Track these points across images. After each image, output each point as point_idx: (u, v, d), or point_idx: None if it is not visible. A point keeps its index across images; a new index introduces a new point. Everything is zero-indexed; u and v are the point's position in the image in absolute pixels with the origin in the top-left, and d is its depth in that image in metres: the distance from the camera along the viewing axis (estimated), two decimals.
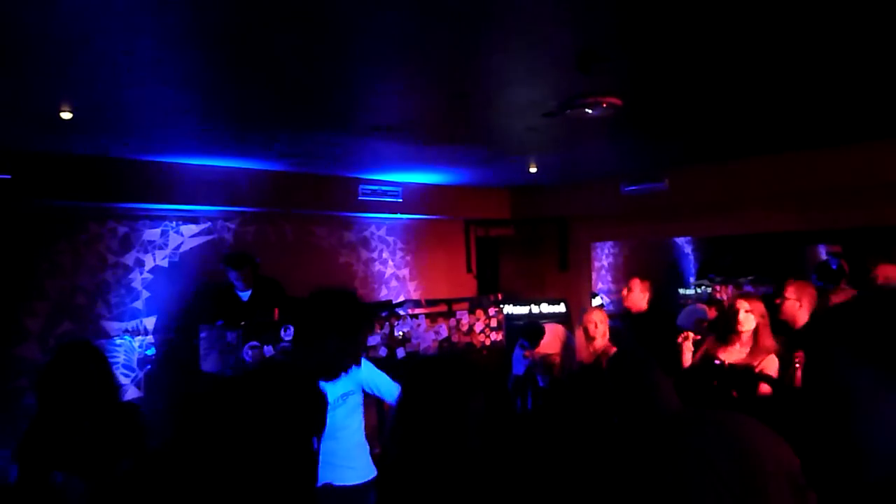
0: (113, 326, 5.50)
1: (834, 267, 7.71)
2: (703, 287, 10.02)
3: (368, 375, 3.62)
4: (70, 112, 3.59)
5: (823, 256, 11.59)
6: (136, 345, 5.60)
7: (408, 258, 7.76)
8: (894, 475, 0.77)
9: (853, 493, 0.82)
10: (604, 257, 9.94)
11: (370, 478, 3.41)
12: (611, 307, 9.00)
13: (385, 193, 6.85)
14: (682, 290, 10.24)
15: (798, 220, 6.25)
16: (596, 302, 8.47)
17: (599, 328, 4.81)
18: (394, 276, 7.60)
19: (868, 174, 5.35)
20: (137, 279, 5.67)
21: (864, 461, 0.79)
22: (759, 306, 3.97)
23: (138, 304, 5.65)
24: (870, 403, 0.77)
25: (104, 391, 2.94)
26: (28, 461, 2.79)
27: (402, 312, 6.02)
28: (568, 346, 6.05)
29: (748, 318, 3.90)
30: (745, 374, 3.76)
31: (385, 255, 7.55)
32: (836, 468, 0.82)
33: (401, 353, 5.89)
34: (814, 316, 4.00)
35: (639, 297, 5.90)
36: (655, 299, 6.11)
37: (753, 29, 2.71)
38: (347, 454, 3.39)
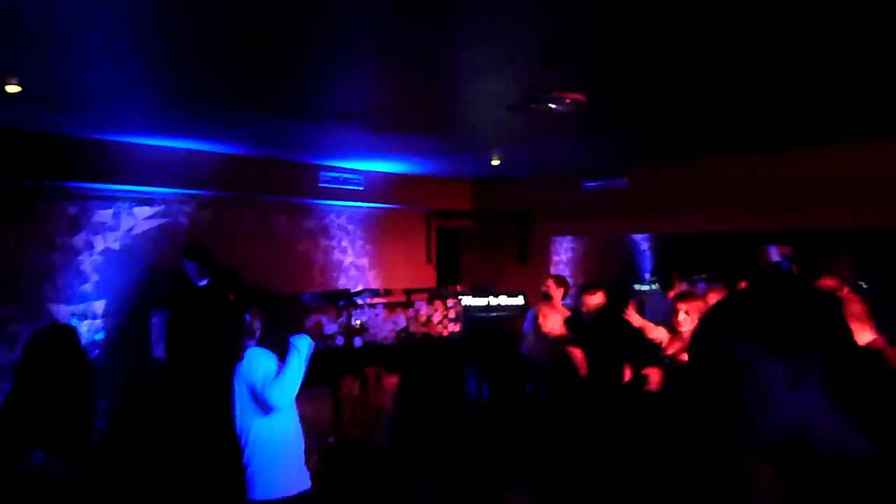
0: (60, 310, 5.32)
1: (785, 268, 7.95)
2: (657, 283, 10.20)
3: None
4: (17, 86, 3.44)
5: (774, 257, 11.92)
6: (84, 329, 5.43)
7: (368, 247, 7.70)
8: (766, 429, 0.97)
9: (739, 443, 1.00)
10: (563, 252, 10.03)
11: None
12: (568, 301, 9.09)
13: (346, 181, 6.78)
14: (637, 286, 10.41)
15: (751, 220, 6.41)
16: None
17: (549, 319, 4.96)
18: (353, 264, 7.54)
19: (817, 176, 5.51)
20: (87, 261, 5.49)
21: (744, 418, 0.98)
22: (699, 305, 4.14)
23: (87, 288, 5.48)
24: (748, 370, 0.97)
25: (81, 372, 3.02)
26: (4, 442, 2.78)
27: (360, 301, 5.99)
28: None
29: (686, 319, 4.11)
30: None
31: (345, 243, 7.48)
32: (724, 425, 1.01)
33: (358, 342, 5.86)
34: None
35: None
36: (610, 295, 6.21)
37: (713, 34, 2.75)
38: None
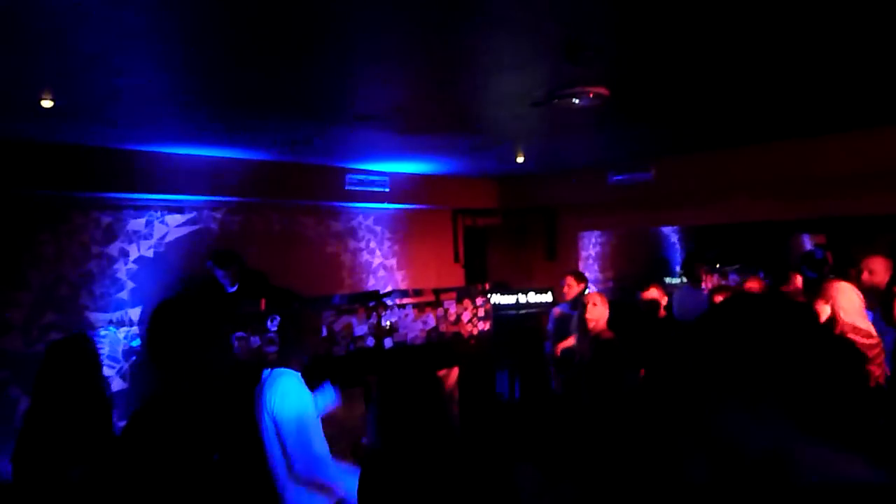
0: (98, 317, 5.45)
1: (819, 257, 7.78)
2: (685, 277, 10.09)
3: None
4: (51, 100, 3.54)
5: (808, 246, 11.69)
6: (121, 336, 5.55)
7: (395, 248, 7.74)
8: (738, 461, 0.95)
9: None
10: (591, 247, 9.96)
11: None
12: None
13: (372, 183, 6.82)
14: (667, 279, 10.30)
15: (782, 209, 6.30)
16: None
17: (597, 309, 4.73)
18: (381, 265, 7.59)
19: (850, 163, 5.39)
20: (122, 269, 5.62)
21: (715, 449, 0.97)
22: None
23: (123, 295, 5.61)
24: (718, 402, 0.96)
25: (95, 384, 3.02)
26: (33, 459, 2.81)
27: (389, 302, 6.02)
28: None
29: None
30: None
31: (372, 244, 7.53)
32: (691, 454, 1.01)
33: (388, 343, 5.89)
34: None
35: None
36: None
37: (739, 19, 2.71)
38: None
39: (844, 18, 2.73)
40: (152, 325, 2.02)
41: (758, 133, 5.46)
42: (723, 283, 9.05)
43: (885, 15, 2.70)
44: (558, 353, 6.03)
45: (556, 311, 6.49)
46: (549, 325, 6.46)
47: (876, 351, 3.96)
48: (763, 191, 6.14)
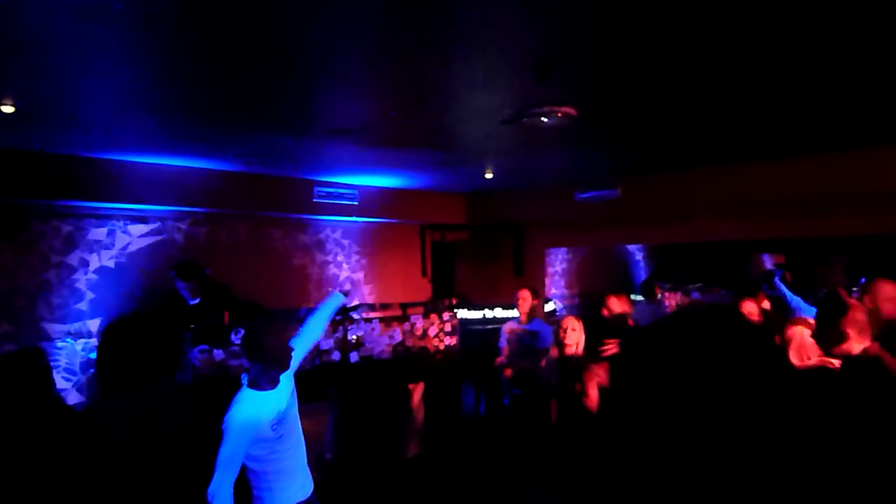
0: (55, 329, 5.31)
1: (778, 276, 7.98)
2: (641, 295, 10.24)
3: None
4: (12, 106, 3.46)
5: (768, 265, 11.97)
6: (78, 348, 5.41)
7: (363, 261, 7.71)
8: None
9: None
10: (557, 263, 10.06)
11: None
12: (563, 312, 9.11)
13: (341, 196, 6.79)
14: (632, 297, 10.43)
15: (743, 230, 6.45)
16: (549, 307, 8.57)
17: (576, 334, 4.70)
18: (349, 279, 7.55)
19: (808, 186, 5.56)
20: (82, 280, 5.49)
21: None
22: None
23: (82, 306, 5.47)
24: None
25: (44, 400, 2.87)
26: None
27: (356, 316, 5.98)
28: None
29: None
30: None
31: (340, 258, 7.49)
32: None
33: (354, 357, 5.84)
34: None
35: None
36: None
37: (702, 48, 2.78)
38: (304, 459, 3.28)
39: (800, 46, 2.83)
40: (102, 346, 1.94)
41: (721, 155, 5.59)
42: (685, 300, 9.22)
43: (836, 44, 2.80)
44: (509, 374, 5.99)
45: (507, 327, 6.32)
46: (501, 342, 6.31)
47: None
48: (725, 211, 6.29)
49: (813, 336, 3.71)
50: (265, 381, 2.98)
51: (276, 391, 3.02)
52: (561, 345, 4.62)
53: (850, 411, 2.78)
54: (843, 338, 3.19)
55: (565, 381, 4.46)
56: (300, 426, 3.24)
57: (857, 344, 3.23)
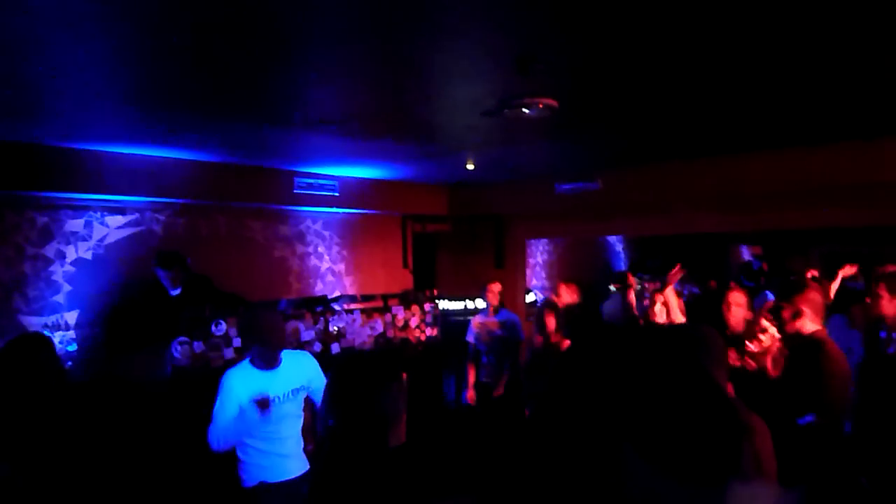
0: (31, 321, 5.24)
1: (756, 268, 8.11)
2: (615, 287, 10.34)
3: (316, 376, 3.55)
4: None
5: (746, 256, 12.12)
6: (56, 340, 5.35)
7: (344, 253, 7.69)
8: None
9: None
10: (538, 255, 10.11)
11: (305, 470, 3.42)
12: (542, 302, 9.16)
13: (321, 187, 6.76)
14: (612, 287, 10.52)
15: (722, 222, 6.53)
16: (530, 298, 8.62)
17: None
18: (329, 270, 7.53)
19: (785, 179, 5.63)
20: (58, 272, 5.42)
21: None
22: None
23: (59, 298, 5.40)
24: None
25: (53, 380, 3.02)
26: None
27: (337, 307, 5.97)
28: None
29: (662, 310, 4.86)
30: None
31: (321, 249, 7.47)
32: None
33: (335, 348, 5.84)
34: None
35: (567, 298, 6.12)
36: (586, 295, 6.35)
37: (683, 40, 2.81)
38: (290, 449, 3.42)
39: (780, 41, 2.86)
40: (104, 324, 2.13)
41: (700, 148, 5.64)
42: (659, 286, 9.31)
43: (815, 41, 2.84)
44: (472, 378, 6.07)
45: (476, 321, 6.35)
46: (469, 336, 6.33)
47: None
48: (704, 203, 6.36)
49: (770, 311, 3.89)
50: (261, 360, 3.37)
51: (272, 373, 3.35)
52: (545, 332, 4.80)
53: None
54: (798, 314, 3.36)
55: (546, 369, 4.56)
56: (296, 426, 3.50)
57: (810, 324, 3.36)
